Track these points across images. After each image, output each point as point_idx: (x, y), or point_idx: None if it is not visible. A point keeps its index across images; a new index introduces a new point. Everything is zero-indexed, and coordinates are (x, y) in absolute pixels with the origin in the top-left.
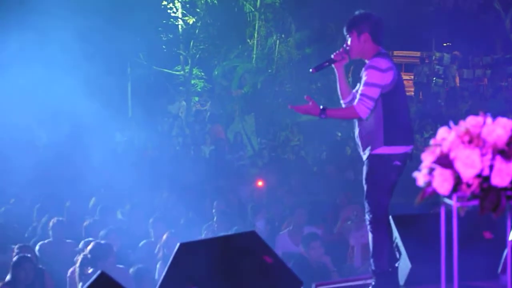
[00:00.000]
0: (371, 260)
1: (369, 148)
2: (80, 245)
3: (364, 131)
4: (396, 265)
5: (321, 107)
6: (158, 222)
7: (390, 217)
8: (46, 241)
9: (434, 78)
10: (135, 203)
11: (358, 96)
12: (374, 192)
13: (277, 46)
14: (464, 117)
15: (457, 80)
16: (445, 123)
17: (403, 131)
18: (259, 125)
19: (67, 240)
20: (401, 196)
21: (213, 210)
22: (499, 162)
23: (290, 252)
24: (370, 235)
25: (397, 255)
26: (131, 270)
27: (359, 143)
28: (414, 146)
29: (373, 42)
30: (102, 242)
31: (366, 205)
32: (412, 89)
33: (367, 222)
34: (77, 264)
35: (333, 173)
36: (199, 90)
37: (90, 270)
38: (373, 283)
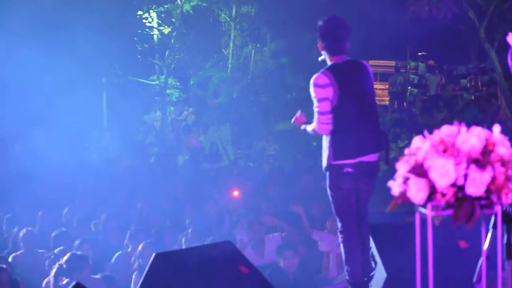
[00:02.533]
0: (345, 270)
1: (324, 162)
2: (55, 251)
3: (322, 146)
4: (372, 274)
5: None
6: (134, 233)
7: None
8: (18, 252)
9: (409, 87)
10: (110, 213)
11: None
12: (334, 200)
13: (252, 55)
14: (439, 126)
15: (447, 88)
16: (419, 132)
17: (353, 146)
18: (235, 134)
19: (40, 250)
20: (376, 206)
21: (187, 220)
22: (473, 171)
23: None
24: (340, 245)
25: (373, 265)
26: (98, 275)
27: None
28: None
29: (327, 52)
30: (78, 253)
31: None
32: (387, 98)
33: (338, 232)
34: (52, 274)
35: (309, 182)
36: (175, 99)
37: (65, 281)
38: None
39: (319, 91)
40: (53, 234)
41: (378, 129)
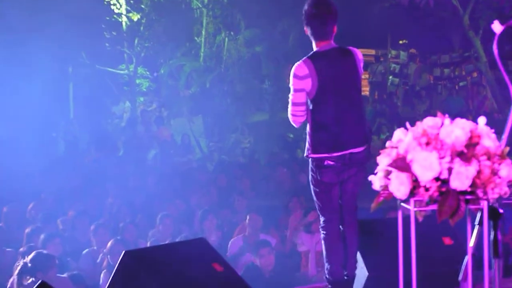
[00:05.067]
0: (325, 267)
1: (306, 151)
2: (22, 249)
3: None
4: (354, 272)
5: None
6: (100, 229)
7: None
8: None
9: (390, 77)
10: (78, 209)
11: None
12: (316, 194)
13: (225, 44)
14: (421, 118)
15: (431, 78)
16: (401, 124)
17: (332, 141)
18: (208, 126)
19: (7, 249)
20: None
21: (159, 216)
22: (458, 164)
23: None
24: (322, 241)
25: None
26: (65, 274)
27: None
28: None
29: (312, 37)
30: (45, 252)
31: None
32: (367, 89)
33: (320, 228)
34: (16, 272)
35: (286, 176)
36: (145, 90)
37: (29, 280)
38: None
39: (296, 82)
40: (27, 230)
41: (363, 121)
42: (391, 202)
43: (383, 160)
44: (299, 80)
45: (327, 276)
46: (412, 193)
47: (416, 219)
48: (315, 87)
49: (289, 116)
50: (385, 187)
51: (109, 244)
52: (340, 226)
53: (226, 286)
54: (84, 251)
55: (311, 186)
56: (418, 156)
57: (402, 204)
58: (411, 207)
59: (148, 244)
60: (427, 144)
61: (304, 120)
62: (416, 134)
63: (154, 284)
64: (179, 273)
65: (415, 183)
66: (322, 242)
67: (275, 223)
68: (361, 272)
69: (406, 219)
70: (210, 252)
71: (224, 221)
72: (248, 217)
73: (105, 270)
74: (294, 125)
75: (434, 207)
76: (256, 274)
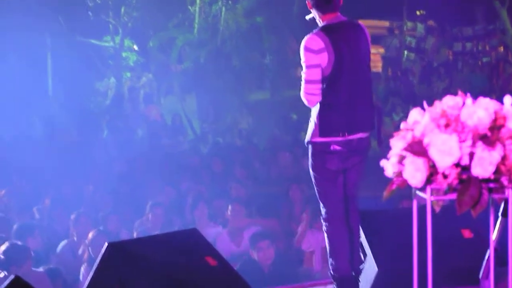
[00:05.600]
0: (329, 263)
1: (308, 135)
2: None
3: (310, 118)
4: (361, 268)
5: None
6: (81, 219)
7: None
8: None
9: (405, 52)
10: (56, 197)
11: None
12: (318, 183)
13: (222, 14)
14: (440, 97)
15: (451, 53)
16: (417, 103)
17: (344, 122)
18: (202, 105)
19: None
20: (367, 189)
21: (148, 205)
22: (480, 149)
23: (232, 254)
24: (324, 234)
25: (362, 257)
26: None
27: None
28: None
29: (317, 10)
30: (19, 243)
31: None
32: (380, 65)
33: (321, 220)
34: None
35: (288, 161)
36: (132, 64)
37: (1, 275)
38: None
39: (310, 57)
40: None
41: (372, 103)
42: (405, 190)
43: (397, 144)
44: (314, 54)
45: (332, 273)
46: (429, 180)
47: (433, 210)
48: (331, 62)
49: (303, 96)
50: (399, 174)
51: (90, 235)
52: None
53: (221, 282)
54: (63, 243)
55: (312, 173)
56: (436, 139)
57: (418, 192)
58: (427, 196)
59: (135, 235)
60: (447, 126)
61: (321, 99)
62: (434, 115)
63: (141, 279)
64: (168, 268)
65: (433, 170)
66: (326, 235)
67: (276, 212)
68: (370, 267)
69: (422, 209)
70: (203, 245)
71: (218, 211)
72: (230, 208)
73: (85, 264)
74: (308, 105)
75: (453, 196)
76: (254, 269)
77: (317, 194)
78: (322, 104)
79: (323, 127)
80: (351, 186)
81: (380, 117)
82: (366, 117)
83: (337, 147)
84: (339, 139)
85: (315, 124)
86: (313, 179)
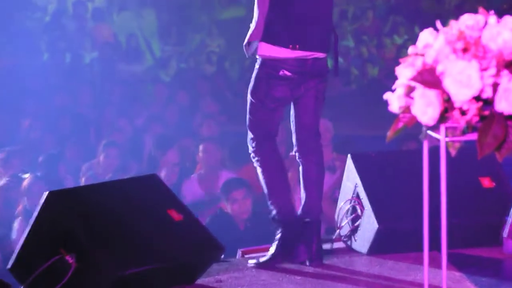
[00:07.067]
0: (269, 205)
1: (252, 36)
2: None
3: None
4: (357, 224)
5: None
6: (12, 160)
7: (349, 156)
8: None
9: None
10: None
11: None
12: (254, 109)
13: None
14: (454, 15)
15: None
16: (425, 23)
17: (295, 34)
18: (162, 24)
19: None
20: (366, 128)
21: (102, 143)
22: (506, 79)
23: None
24: (257, 170)
25: (359, 210)
26: None
27: None
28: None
29: None
30: None
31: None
32: None
33: (251, 153)
34: None
35: None
36: None
37: None
38: (277, 234)
39: None
40: None
41: (331, 23)
42: (413, 129)
43: (404, 72)
44: None
45: (276, 217)
46: (443, 117)
47: (448, 153)
48: None
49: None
50: (406, 109)
51: (25, 182)
52: (297, 153)
53: (186, 241)
54: None
55: (249, 97)
56: (453, 67)
57: (429, 132)
58: (441, 136)
59: (83, 181)
60: (465, 50)
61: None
62: (450, 37)
63: (88, 235)
64: (121, 222)
65: (448, 104)
66: (260, 171)
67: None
68: (369, 223)
69: (434, 152)
70: (165, 195)
71: (185, 153)
72: (200, 148)
73: (20, 217)
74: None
75: (472, 136)
76: (227, 224)
77: (247, 120)
78: (272, 4)
79: (270, 33)
80: (310, 115)
81: (337, 44)
82: (323, 35)
83: (287, 73)
84: (289, 55)
85: (258, 26)
86: (248, 105)
